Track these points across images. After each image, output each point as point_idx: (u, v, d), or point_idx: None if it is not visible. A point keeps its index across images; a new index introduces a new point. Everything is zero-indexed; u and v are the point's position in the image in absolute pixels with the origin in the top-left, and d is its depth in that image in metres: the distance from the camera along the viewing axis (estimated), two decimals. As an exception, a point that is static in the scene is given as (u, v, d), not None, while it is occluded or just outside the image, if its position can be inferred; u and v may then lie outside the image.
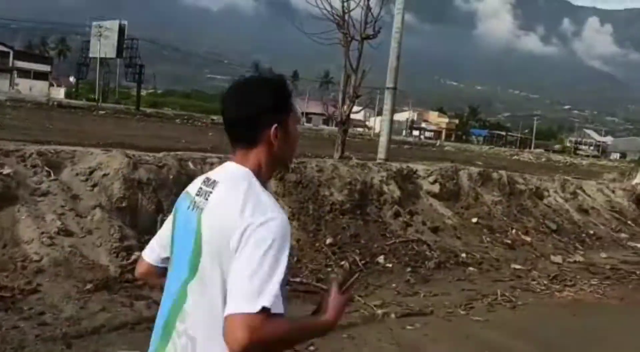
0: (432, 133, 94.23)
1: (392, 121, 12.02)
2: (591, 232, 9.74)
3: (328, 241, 6.15)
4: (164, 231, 1.60)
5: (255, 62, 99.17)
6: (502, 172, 10.13)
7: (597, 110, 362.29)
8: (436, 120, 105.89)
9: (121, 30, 64.88)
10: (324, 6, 10.01)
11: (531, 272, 6.93)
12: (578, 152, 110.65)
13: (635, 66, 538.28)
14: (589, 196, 11.69)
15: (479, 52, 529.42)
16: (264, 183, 1.44)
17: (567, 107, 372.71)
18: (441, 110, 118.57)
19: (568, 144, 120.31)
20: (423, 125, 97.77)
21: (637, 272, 7.38)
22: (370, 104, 29.55)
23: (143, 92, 72.33)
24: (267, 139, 1.44)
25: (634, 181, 12.79)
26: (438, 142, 67.61)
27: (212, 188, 1.43)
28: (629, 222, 11.35)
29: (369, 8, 10.26)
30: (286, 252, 1.31)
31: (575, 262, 7.81)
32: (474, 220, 8.10)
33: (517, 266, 7.09)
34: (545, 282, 6.50)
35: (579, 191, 11.58)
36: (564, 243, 8.74)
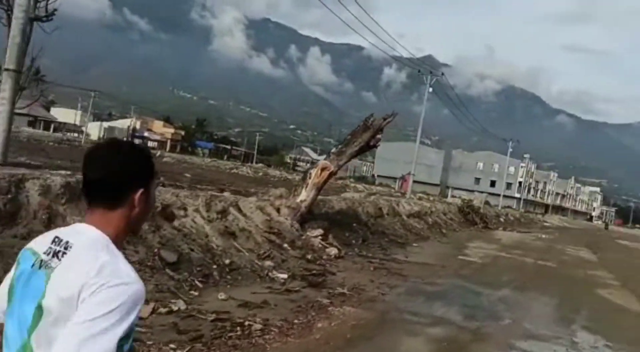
0: (156, 143, 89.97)
1: (12, 113, 8.93)
2: (227, 261, 7.86)
3: None
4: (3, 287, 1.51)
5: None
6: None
7: (317, 131, 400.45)
8: (161, 130, 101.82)
9: None
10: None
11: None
12: (296, 168, 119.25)
13: (349, 94, 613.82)
14: (244, 215, 10.02)
15: (213, 67, 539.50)
16: (118, 247, 1.42)
17: (292, 126, 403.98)
18: (167, 121, 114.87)
19: (288, 160, 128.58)
20: (146, 134, 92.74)
21: (246, 323, 5.50)
22: (42, 97, 24.97)
23: None
24: (130, 202, 1.44)
25: (299, 198, 11.79)
26: (159, 153, 64.01)
27: (66, 249, 1.40)
28: (286, 244, 10.00)
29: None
30: (132, 318, 1.29)
31: (171, 312, 5.61)
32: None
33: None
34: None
35: (232, 209, 9.82)
36: (178, 281, 6.57)
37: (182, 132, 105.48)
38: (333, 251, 10.62)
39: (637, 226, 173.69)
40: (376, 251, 11.71)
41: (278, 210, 11.37)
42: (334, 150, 12.61)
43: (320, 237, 10.97)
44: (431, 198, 46.21)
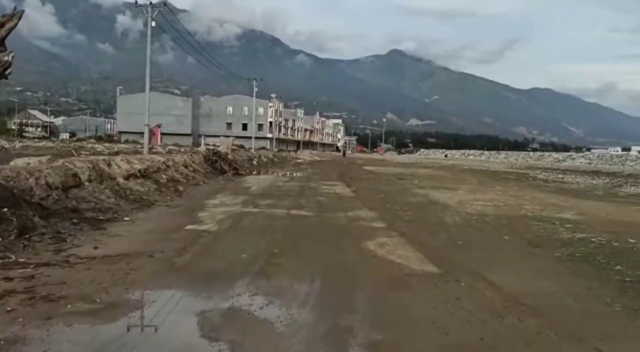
0: None
1: None
2: None
3: None
4: None
5: None
6: None
7: (50, 91, 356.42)
8: None
9: None
10: None
11: None
12: (24, 134, 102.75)
13: (81, 47, 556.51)
14: None
15: None
16: None
17: (18, 88, 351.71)
18: None
19: (13, 127, 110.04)
20: None
21: None
22: None
23: None
24: None
25: None
26: None
27: None
28: None
29: None
30: None
31: None
32: None
33: None
34: None
35: None
36: None
37: None
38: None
39: (375, 150, 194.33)
40: (45, 246, 7.20)
41: None
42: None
43: None
44: (182, 149, 41.93)
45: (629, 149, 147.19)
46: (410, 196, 17.01)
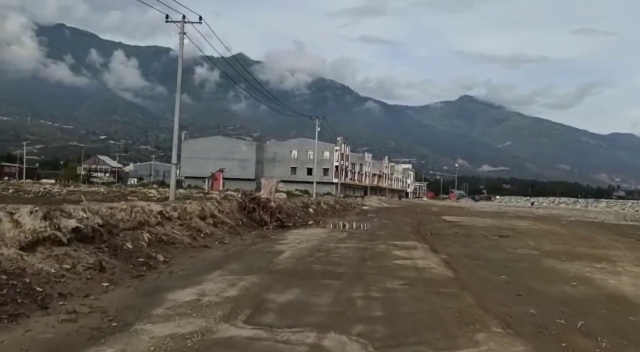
0: None
1: None
2: None
3: None
4: None
5: None
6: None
7: (131, 139, 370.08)
8: None
9: None
10: None
11: None
12: (92, 180, 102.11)
13: (162, 98, 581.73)
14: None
15: (3, 80, 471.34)
16: None
17: (102, 137, 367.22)
18: None
19: (82, 172, 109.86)
20: None
21: None
22: None
23: None
24: None
25: None
26: None
27: None
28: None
29: None
30: None
31: None
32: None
33: None
34: None
35: None
36: None
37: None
38: None
39: (444, 196, 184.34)
40: None
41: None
42: None
43: None
44: (232, 195, 36.10)
45: None
46: (550, 277, 9.77)
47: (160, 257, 10.16)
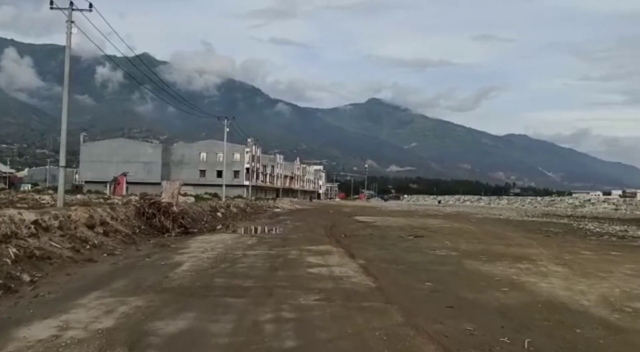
0: None
1: None
2: None
3: None
4: None
5: None
6: None
7: (26, 143, 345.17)
8: None
9: None
10: None
11: None
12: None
13: (59, 99, 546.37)
14: None
15: None
16: None
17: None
18: None
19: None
20: None
21: None
22: None
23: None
24: None
25: None
26: None
27: None
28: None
29: None
30: None
31: None
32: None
33: None
34: None
35: None
36: None
37: None
38: None
39: (355, 196, 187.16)
40: None
41: None
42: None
43: None
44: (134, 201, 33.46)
45: (608, 193, 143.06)
46: (477, 282, 8.98)
47: (26, 277, 8.32)
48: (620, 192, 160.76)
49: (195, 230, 20.34)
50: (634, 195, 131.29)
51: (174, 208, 19.91)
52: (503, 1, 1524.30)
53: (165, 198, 20.43)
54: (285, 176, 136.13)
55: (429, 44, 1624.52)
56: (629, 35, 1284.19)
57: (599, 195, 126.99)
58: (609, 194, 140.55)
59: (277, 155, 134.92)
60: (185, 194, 53.47)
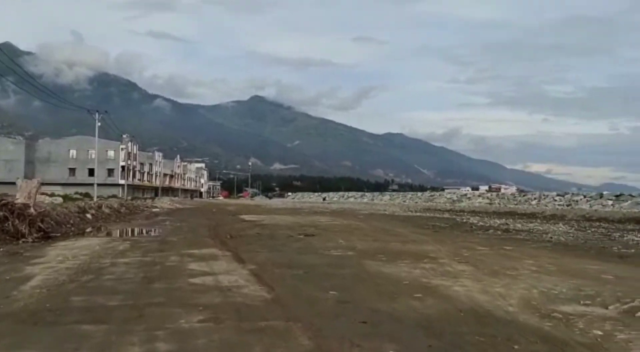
0: None
1: None
2: None
3: None
4: None
5: None
6: None
7: None
8: None
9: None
10: None
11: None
12: None
13: None
14: None
15: None
16: None
17: None
18: None
19: None
20: None
21: None
22: None
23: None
24: None
25: None
26: None
27: None
28: None
29: None
30: None
31: None
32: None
33: None
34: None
35: None
36: None
37: None
38: None
39: (239, 194, 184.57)
40: None
41: None
42: None
43: None
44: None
45: (476, 189, 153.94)
46: (386, 287, 8.02)
47: None
48: (487, 187, 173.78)
49: (59, 234, 17.81)
50: (498, 190, 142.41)
51: (32, 210, 17.21)
52: (378, 4, 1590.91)
53: (20, 199, 17.64)
54: (165, 175, 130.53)
55: (310, 43, 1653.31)
56: (490, 41, 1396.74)
57: (468, 190, 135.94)
58: (477, 189, 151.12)
59: (156, 153, 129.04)
60: (52, 194, 48.67)
